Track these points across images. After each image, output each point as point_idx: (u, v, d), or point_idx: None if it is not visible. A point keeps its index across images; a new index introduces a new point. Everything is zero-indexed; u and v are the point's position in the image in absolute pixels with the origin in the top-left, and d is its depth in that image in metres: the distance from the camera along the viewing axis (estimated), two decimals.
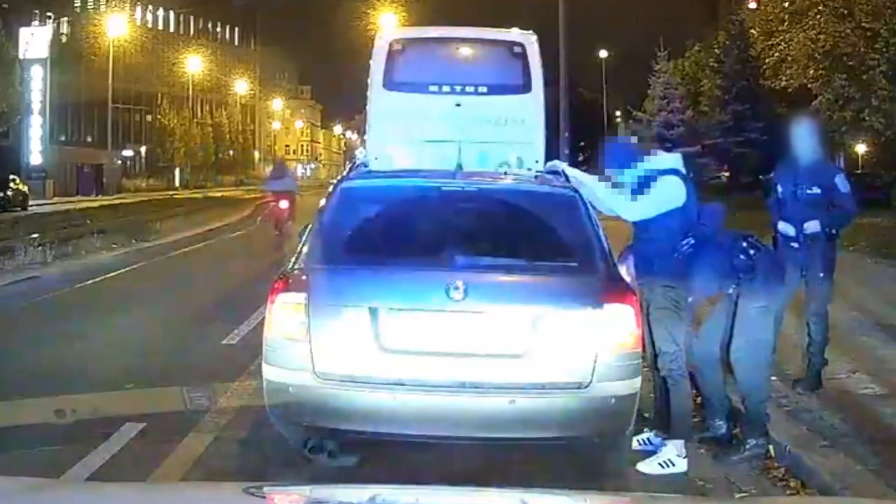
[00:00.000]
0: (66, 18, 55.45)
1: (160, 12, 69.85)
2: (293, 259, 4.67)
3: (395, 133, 6.08)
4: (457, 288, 4.19)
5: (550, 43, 14.79)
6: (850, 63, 24.05)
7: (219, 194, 50.95)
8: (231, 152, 77.62)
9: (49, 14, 51.82)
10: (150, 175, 63.76)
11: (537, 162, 5.93)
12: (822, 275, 5.80)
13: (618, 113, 55.50)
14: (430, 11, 35.85)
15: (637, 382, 4.32)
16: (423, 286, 4.36)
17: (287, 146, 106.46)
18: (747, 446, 4.80)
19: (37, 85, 48.29)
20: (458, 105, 6.09)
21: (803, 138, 5.88)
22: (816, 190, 5.75)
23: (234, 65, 79.99)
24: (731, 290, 4.82)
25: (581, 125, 33.66)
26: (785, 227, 5.86)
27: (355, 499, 2.44)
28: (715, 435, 5.08)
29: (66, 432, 4.92)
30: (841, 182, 5.83)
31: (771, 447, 4.83)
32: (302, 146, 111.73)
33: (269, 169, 35.35)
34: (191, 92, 67.82)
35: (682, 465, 4.70)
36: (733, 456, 4.80)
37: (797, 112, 11.58)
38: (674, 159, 5.09)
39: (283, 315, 4.32)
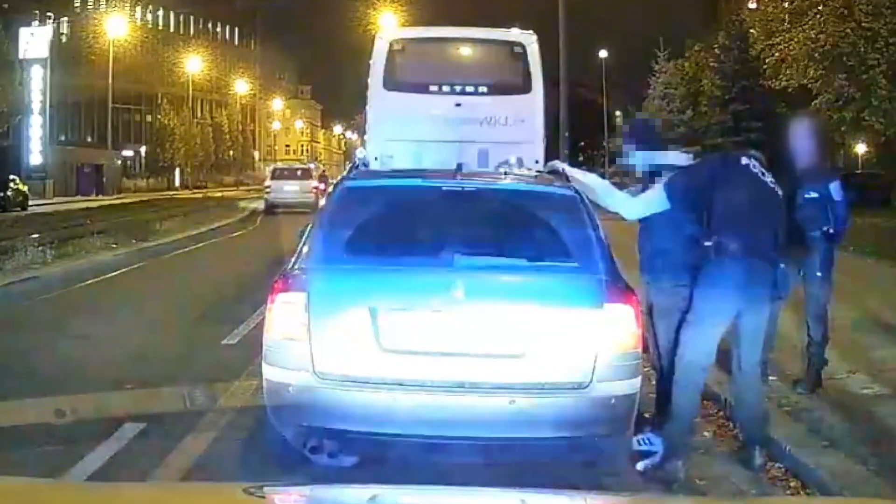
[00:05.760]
0: (66, 18, 55.43)
1: (160, 12, 69.83)
2: (293, 259, 4.67)
3: (395, 133, 6.08)
4: (457, 288, 4.19)
5: (550, 43, 14.80)
6: (850, 63, 24.10)
7: (219, 194, 50.99)
8: (231, 152, 77.61)
9: (49, 14, 51.79)
10: (150, 175, 63.79)
11: (537, 162, 5.93)
12: (819, 274, 5.78)
13: (618, 113, 55.43)
14: (430, 11, 35.92)
15: (637, 382, 4.32)
16: (424, 286, 4.35)
17: (287, 146, 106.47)
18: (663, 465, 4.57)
19: (37, 85, 48.27)
20: (458, 105, 6.10)
21: (802, 140, 5.82)
22: (814, 194, 5.73)
23: (234, 65, 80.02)
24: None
25: (581, 125, 33.68)
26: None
27: (355, 499, 2.44)
28: (752, 463, 4.65)
29: (66, 432, 4.92)
30: (835, 190, 5.84)
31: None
32: (302, 146, 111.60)
33: (269, 168, 35.90)
34: (191, 92, 67.79)
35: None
36: (639, 463, 4.61)
37: (797, 112, 11.56)
38: (685, 159, 5.06)
39: (283, 315, 4.32)
